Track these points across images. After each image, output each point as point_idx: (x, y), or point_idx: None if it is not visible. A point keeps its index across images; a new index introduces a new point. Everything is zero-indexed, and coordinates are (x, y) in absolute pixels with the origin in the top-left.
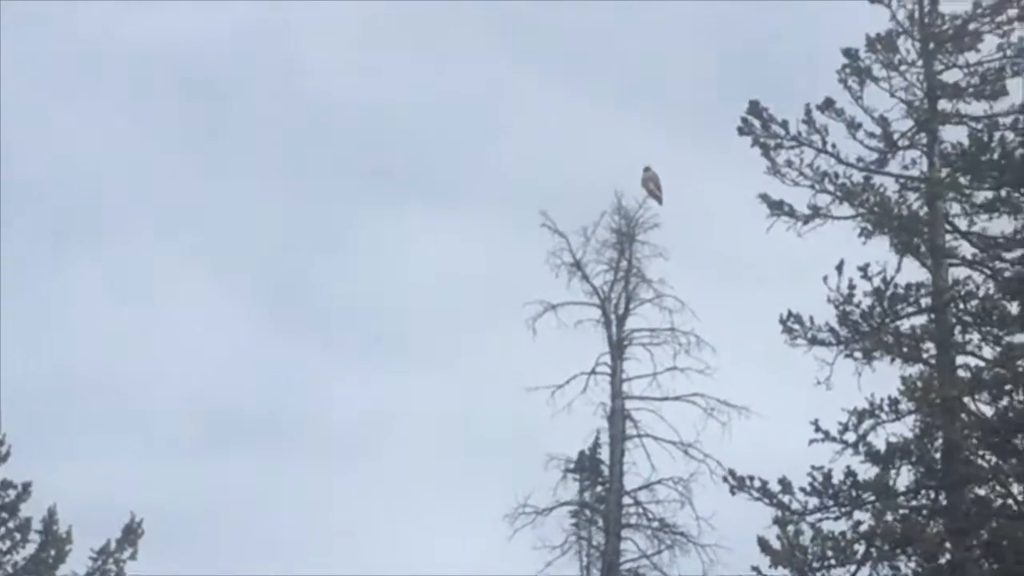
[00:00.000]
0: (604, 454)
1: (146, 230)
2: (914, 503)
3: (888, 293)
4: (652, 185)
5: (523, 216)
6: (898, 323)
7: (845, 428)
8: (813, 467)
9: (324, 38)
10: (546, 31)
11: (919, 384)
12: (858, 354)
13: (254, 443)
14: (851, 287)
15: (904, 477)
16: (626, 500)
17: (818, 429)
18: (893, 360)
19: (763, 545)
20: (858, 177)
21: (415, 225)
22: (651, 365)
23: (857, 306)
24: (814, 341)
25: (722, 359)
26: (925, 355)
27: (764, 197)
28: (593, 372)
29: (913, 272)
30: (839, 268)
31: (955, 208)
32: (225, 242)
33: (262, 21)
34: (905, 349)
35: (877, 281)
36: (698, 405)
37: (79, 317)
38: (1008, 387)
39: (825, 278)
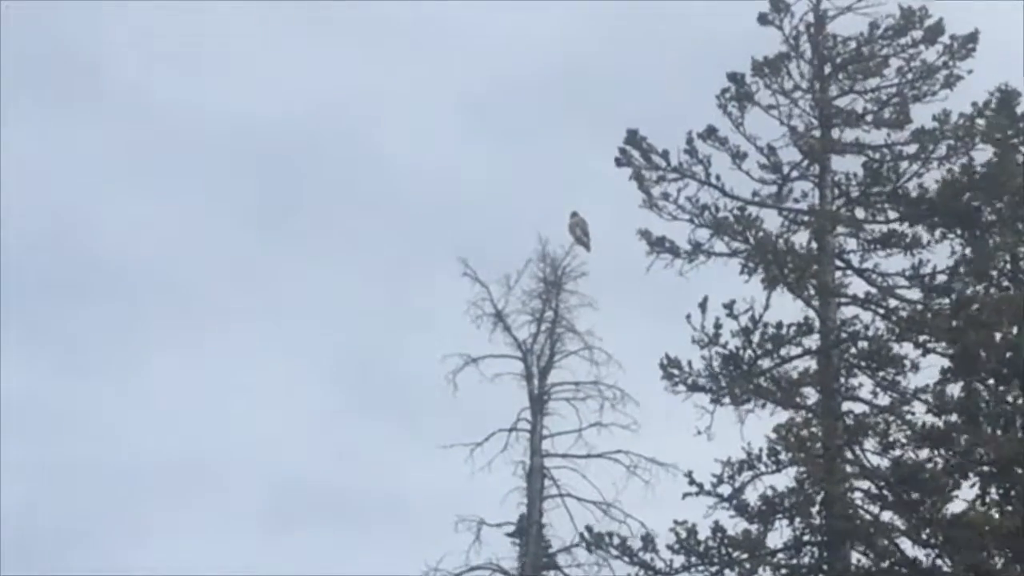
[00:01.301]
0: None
1: (226, 306)
2: (794, 561)
3: (762, 333)
4: (579, 231)
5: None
6: (782, 366)
7: (720, 480)
8: (676, 522)
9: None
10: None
11: (798, 433)
12: (725, 400)
13: (332, 520)
14: (717, 327)
15: (784, 533)
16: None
17: (692, 482)
18: (764, 406)
19: None
20: (743, 211)
21: None
22: (576, 420)
23: (724, 347)
24: (693, 387)
25: (652, 413)
26: (807, 401)
27: (644, 234)
28: (513, 429)
29: (800, 312)
30: (702, 306)
31: (851, 243)
32: (305, 318)
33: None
34: (779, 394)
35: (745, 320)
36: (620, 463)
37: (158, 396)
38: (897, 435)
39: (688, 316)
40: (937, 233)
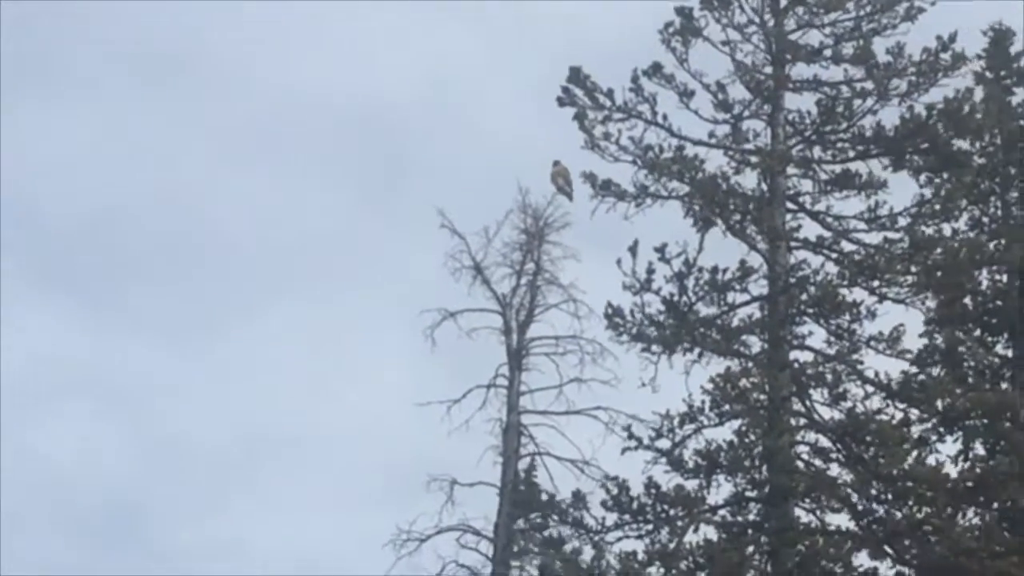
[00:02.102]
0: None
1: (336, 280)
2: (738, 518)
3: (697, 279)
4: (561, 180)
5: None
6: (729, 313)
7: (658, 434)
8: (607, 478)
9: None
10: None
11: (737, 383)
12: (656, 348)
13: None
14: (650, 272)
15: (726, 489)
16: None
17: (631, 436)
18: (702, 355)
19: (543, 572)
20: (691, 151)
21: None
22: (556, 376)
23: (657, 293)
24: (637, 337)
25: (633, 368)
26: (752, 350)
27: (589, 177)
28: (491, 385)
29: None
30: (632, 250)
31: (807, 185)
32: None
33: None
34: (721, 343)
35: (678, 265)
36: (599, 420)
37: (271, 369)
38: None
39: (619, 261)
40: (895, 173)
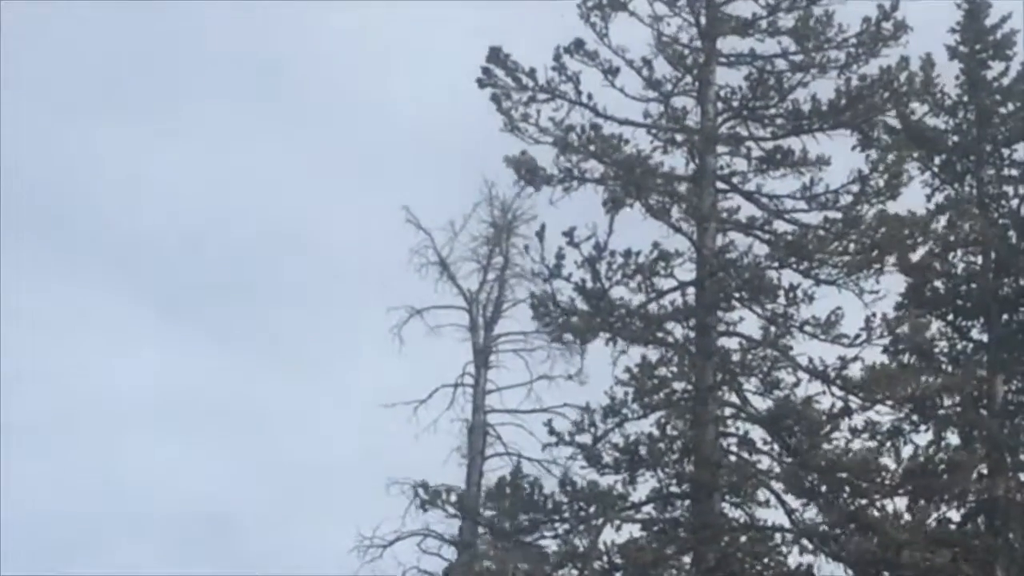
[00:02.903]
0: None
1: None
2: (666, 515)
3: (609, 263)
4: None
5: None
6: (656, 300)
7: (579, 429)
8: (517, 476)
9: None
10: None
11: (655, 372)
12: (567, 337)
13: None
14: (559, 257)
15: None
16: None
17: (552, 431)
18: (614, 342)
19: None
20: (612, 130)
21: None
22: (526, 374)
23: (568, 279)
24: (563, 327)
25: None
26: (675, 337)
27: (512, 160)
28: (458, 384)
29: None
30: (540, 235)
31: (741, 164)
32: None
33: None
34: (642, 331)
35: (588, 249)
36: (567, 418)
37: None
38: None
39: (526, 248)
40: (831, 148)
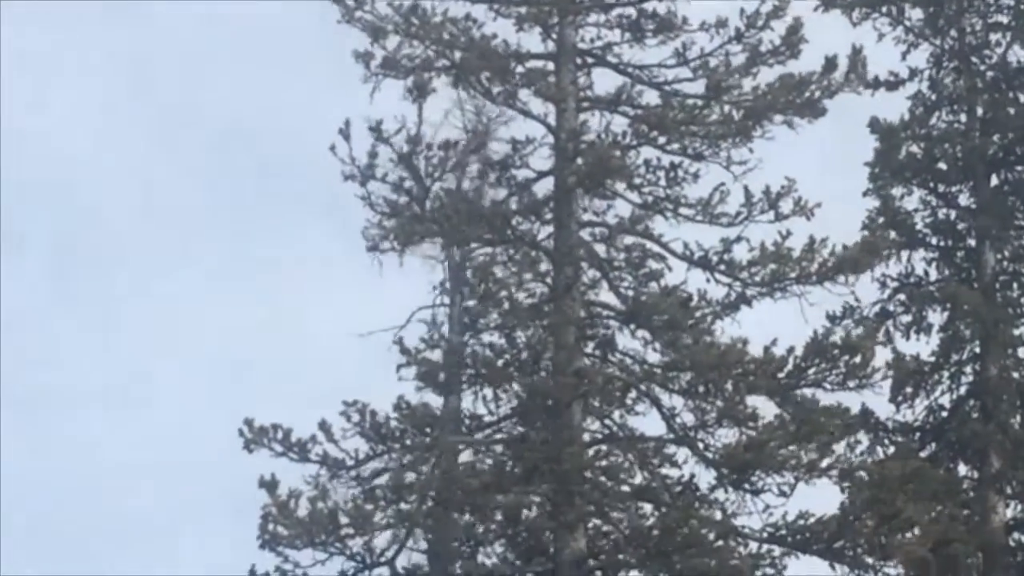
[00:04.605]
0: None
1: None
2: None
3: (427, 157)
4: None
5: None
6: (517, 194)
7: (428, 345)
8: (345, 403)
9: None
10: None
11: (495, 273)
12: (385, 245)
13: None
14: (373, 155)
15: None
16: None
17: (403, 350)
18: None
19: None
20: (465, 11)
21: None
22: None
23: (384, 180)
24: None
25: None
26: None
27: (361, 56)
28: (436, 305)
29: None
30: (344, 132)
31: (613, 35)
32: None
33: None
34: (488, 232)
35: (401, 143)
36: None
37: None
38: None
39: (332, 148)
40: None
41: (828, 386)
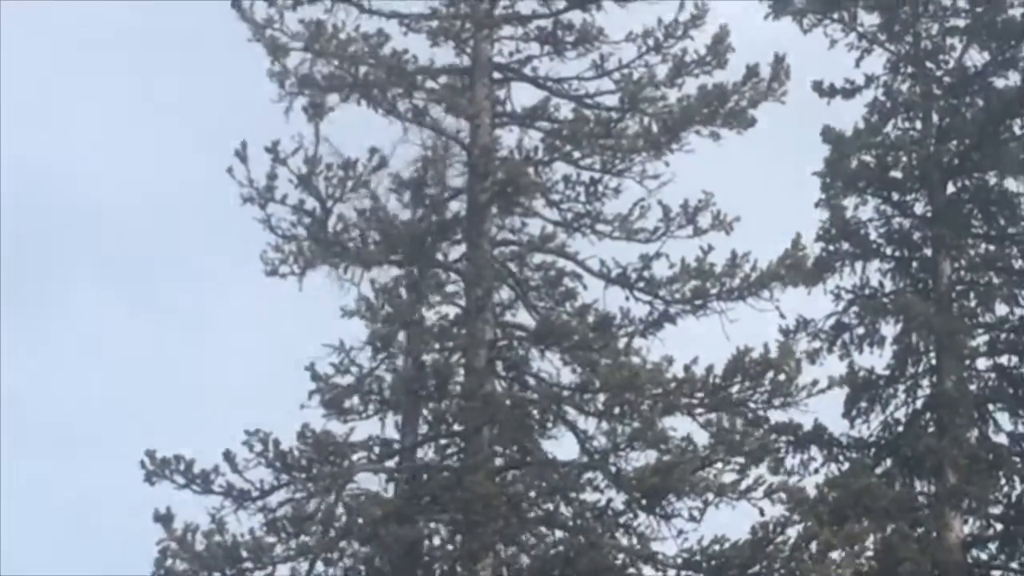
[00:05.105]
0: None
1: None
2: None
3: (327, 177)
4: None
5: None
6: (431, 215)
7: (338, 370)
8: (248, 433)
9: None
10: None
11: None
12: (286, 269)
13: None
14: (272, 177)
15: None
16: None
17: (314, 376)
18: (345, 269)
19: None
20: (378, 26)
21: None
22: None
23: (283, 202)
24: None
25: None
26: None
27: (275, 74)
28: None
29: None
30: (240, 154)
31: (532, 48)
32: None
33: None
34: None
35: (299, 163)
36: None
37: None
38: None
39: (230, 170)
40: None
41: (753, 405)
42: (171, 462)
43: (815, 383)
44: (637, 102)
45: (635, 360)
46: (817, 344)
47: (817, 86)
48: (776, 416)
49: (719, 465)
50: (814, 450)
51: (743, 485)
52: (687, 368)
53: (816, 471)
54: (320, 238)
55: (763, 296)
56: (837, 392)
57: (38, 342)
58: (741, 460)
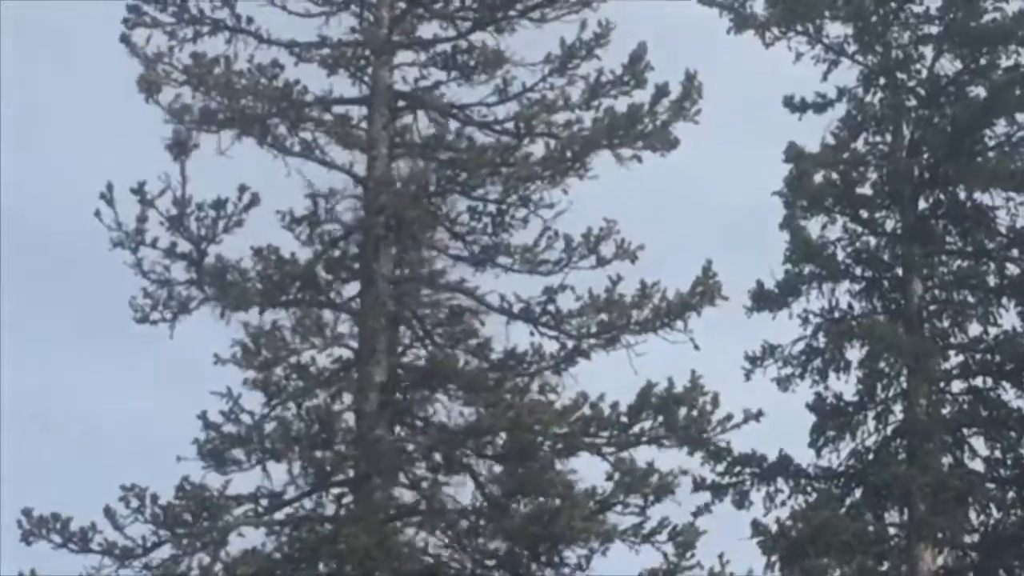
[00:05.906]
0: None
1: None
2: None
3: (197, 217)
4: None
5: None
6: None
7: (227, 418)
8: (123, 488)
9: None
10: None
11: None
12: (157, 314)
13: None
14: (141, 220)
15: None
16: None
17: (206, 424)
18: (224, 313)
19: None
20: (273, 56)
21: None
22: None
23: (154, 245)
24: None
25: None
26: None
27: (176, 111)
28: None
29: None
30: (106, 196)
31: (439, 75)
32: None
33: None
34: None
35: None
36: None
37: None
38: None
39: (97, 213)
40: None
41: (667, 443)
42: (48, 520)
43: (729, 417)
44: (532, 128)
45: (542, 398)
46: (788, 371)
47: (788, 101)
48: (737, 447)
49: (618, 508)
50: (780, 482)
51: (646, 528)
52: (593, 406)
53: (783, 503)
54: (196, 281)
55: (676, 328)
56: (792, 421)
57: None
58: (640, 502)
